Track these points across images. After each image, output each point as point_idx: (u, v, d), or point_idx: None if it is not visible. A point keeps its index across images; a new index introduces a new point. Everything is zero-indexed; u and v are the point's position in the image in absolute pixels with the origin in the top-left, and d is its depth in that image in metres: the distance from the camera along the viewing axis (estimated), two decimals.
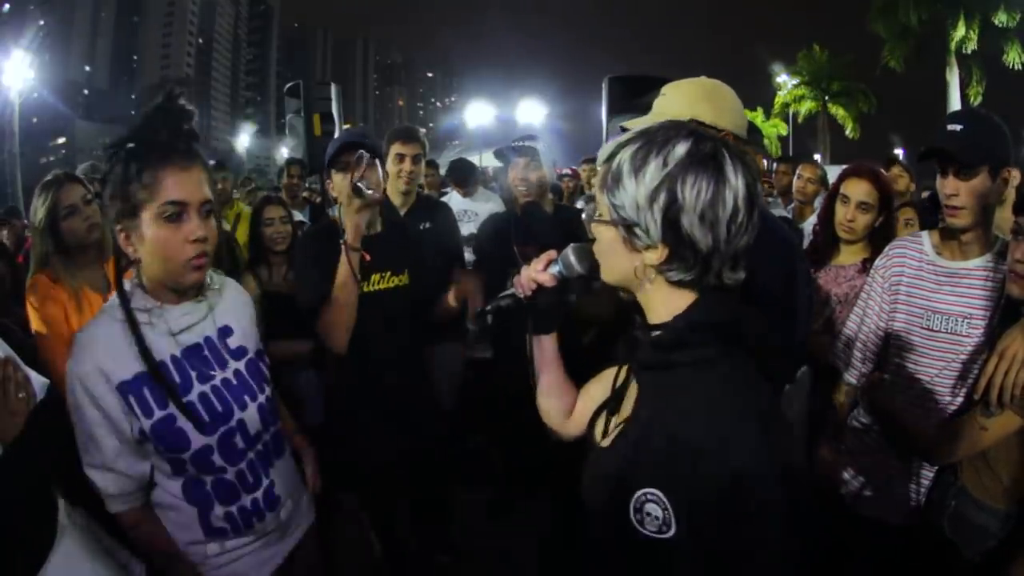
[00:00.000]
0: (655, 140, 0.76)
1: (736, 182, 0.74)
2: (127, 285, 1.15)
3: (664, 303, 0.81)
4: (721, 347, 0.76)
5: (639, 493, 0.71)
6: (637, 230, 0.77)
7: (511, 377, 2.31)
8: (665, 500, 0.70)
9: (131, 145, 1.08)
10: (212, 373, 1.19)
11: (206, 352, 1.20)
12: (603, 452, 0.84)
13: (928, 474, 1.53)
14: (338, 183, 1.77)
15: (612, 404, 0.89)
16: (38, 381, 1.11)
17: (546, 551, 2.33)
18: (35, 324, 1.82)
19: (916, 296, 1.53)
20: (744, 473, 0.67)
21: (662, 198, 0.74)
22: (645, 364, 0.82)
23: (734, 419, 0.70)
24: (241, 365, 1.25)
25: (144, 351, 1.09)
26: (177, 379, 1.14)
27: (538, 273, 1.01)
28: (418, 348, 1.96)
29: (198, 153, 1.12)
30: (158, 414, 1.11)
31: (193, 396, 1.15)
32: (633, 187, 0.76)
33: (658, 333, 0.81)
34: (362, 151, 1.65)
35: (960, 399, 1.45)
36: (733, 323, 0.77)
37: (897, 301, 1.56)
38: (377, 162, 1.72)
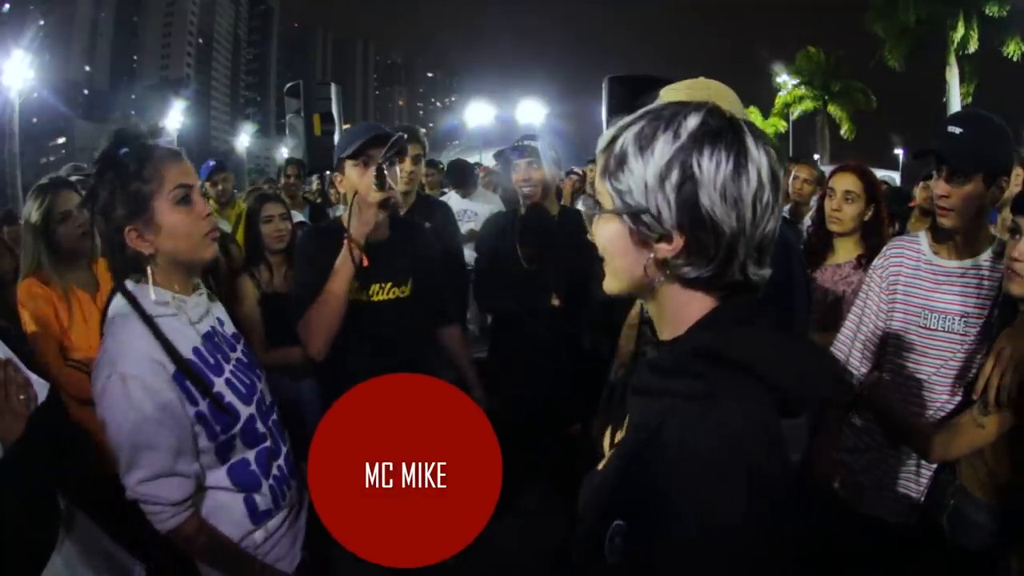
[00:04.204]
0: (662, 116, 0.66)
1: (759, 156, 0.63)
2: (138, 290, 1.15)
3: (678, 311, 0.69)
4: (725, 380, 0.63)
5: (614, 524, 0.63)
6: (646, 217, 0.65)
7: (510, 377, 2.33)
8: (629, 537, 0.61)
9: (124, 150, 1.11)
10: (229, 354, 1.29)
11: (217, 339, 1.28)
12: (595, 474, 0.76)
13: (927, 473, 1.54)
14: (353, 178, 1.62)
15: (616, 418, 0.81)
16: (39, 384, 1.11)
17: (546, 551, 2.33)
18: (27, 325, 1.85)
19: (914, 295, 1.53)
20: (711, 536, 0.57)
21: (675, 175, 0.63)
22: (636, 388, 0.73)
23: (716, 471, 0.59)
24: (241, 347, 1.35)
25: (170, 348, 1.11)
26: (212, 360, 1.21)
27: None
28: (418, 360, 1.91)
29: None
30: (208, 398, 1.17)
31: (228, 374, 1.24)
32: (640, 167, 0.65)
33: (661, 353, 0.71)
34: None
35: (958, 397, 1.45)
36: (747, 354, 0.64)
37: (895, 300, 1.57)
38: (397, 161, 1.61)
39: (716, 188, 0.62)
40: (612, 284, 0.74)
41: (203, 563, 1.21)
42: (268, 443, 1.28)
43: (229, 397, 1.20)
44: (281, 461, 1.33)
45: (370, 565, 1.34)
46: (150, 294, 1.15)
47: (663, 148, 0.64)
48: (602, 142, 0.71)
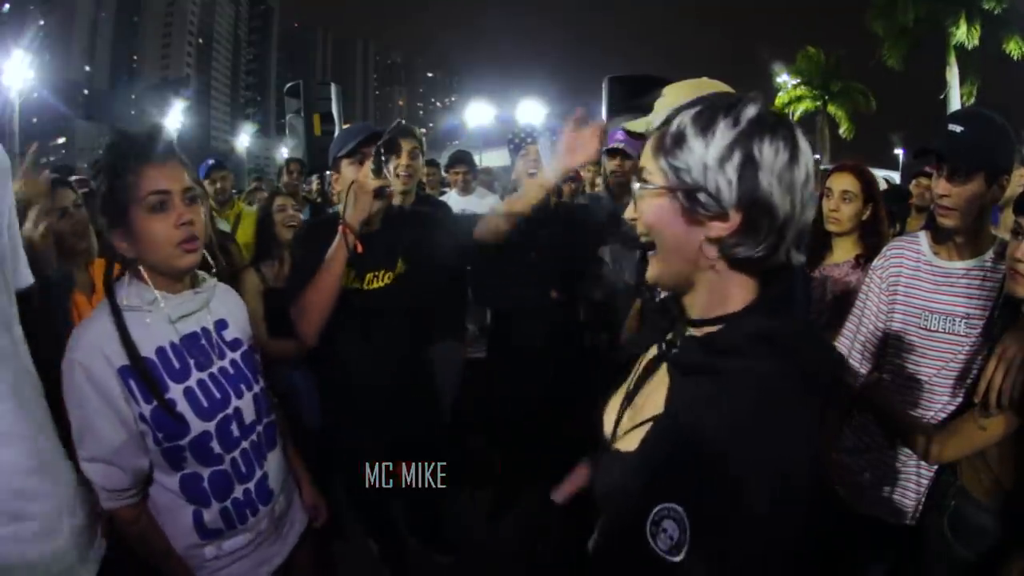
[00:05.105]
0: (719, 104, 0.69)
1: (807, 150, 0.68)
2: (122, 283, 1.18)
3: (719, 293, 0.72)
4: (779, 360, 0.66)
5: (660, 506, 0.64)
6: (702, 196, 0.67)
7: (510, 376, 2.33)
8: (685, 520, 0.62)
9: (110, 157, 1.14)
10: (210, 362, 1.23)
11: (203, 342, 1.24)
12: (624, 456, 0.75)
13: (928, 474, 1.53)
14: (350, 176, 1.68)
15: (628, 399, 0.82)
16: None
17: (546, 552, 2.33)
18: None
19: (913, 296, 1.52)
20: (779, 511, 0.60)
21: (736, 156, 0.66)
22: (689, 367, 0.73)
23: (780, 446, 0.62)
24: (237, 356, 1.29)
25: (127, 343, 1.10)
26: (176, 365, 1.17)
27: None
28: (416, 345, 1.94)
29: (174, 150, 1.18)
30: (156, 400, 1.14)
31: (192, 382, 1.18)
32: (701, 147, 0.67)
33: (710, 331, 0.72)
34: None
35: (959, 399, 1.45)
36: (793, 335, 0.68)
37: (895, 301, 1.56)
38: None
39: (775, 173, 0.66)
40: (660, 268, 0.74)
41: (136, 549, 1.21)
42: (226, 467, 1.22)
43: (182, 407, 1.16)
44: (251, 484, 1.27)
45: (368, 563, 1.33)
46: (127, 290, 1.17)
47: (724, 131, 0.67)
48: (655, 119, 0.73)
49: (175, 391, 1.16)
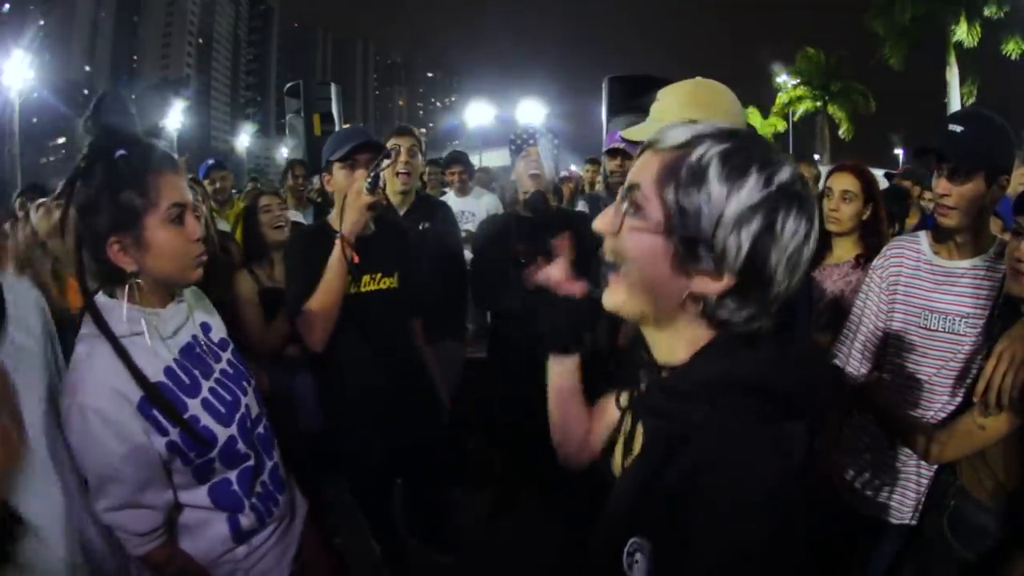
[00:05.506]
0: (754, 149, 0.62)
1: (817, 226, 0.63)
2: (108, 307, 1.07)
3: (686, 340, 0.68)
4: (738, 406, 0.63)
5: (633, 540, 0.63)
6: (702, 250, 0.61)
7: (510, 376, 2.33)
8: (651, 554, 0.61)
9: (122, 152, 1.03)
10: (211, 367, 1.20)
11: (198, 350, 1.20)
12: (614, 491, 0.76)
13: (927, 473, 1.53)
14: (341, 179, 1.73)
15: (628, 438, 0.81)
16: None
17: (546, 551, 2.33)
18: None
19: (914, 296, 1.53)
20: (734, 561, 0.56)
21: (757, 222, 0.59)
22: (653, 412, 0.71)
23: (743, 492, 0.58)
24: (229, 354, 1.27)
25: (138, 374, 1.03)
26: (187, 380, 1.13)
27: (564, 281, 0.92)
28: (411, 348, 1.95)
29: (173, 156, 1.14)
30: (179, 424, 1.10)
31: (205, 392, 1.15)
32: (721, 195, 0.60)
33: (671, 374, 0.69)
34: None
35: (959, 398, 1.45)
36: (756, 377, 0.64)
37: (895, 301, 1.56)
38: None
39: (787, 252, 0.61)
40: (625, 300, 0.68)
41: None
42: (251, 461, 1.21)
43: (205, 420, 1.12)
44: (266, 476, 1.26)
45: (368, 563, 1.33)
46: (122, 313, 1.06)
47: (753, 188, 0.60)
48: (667, 138, 0.65)
49: (194, 407, 1.12)
